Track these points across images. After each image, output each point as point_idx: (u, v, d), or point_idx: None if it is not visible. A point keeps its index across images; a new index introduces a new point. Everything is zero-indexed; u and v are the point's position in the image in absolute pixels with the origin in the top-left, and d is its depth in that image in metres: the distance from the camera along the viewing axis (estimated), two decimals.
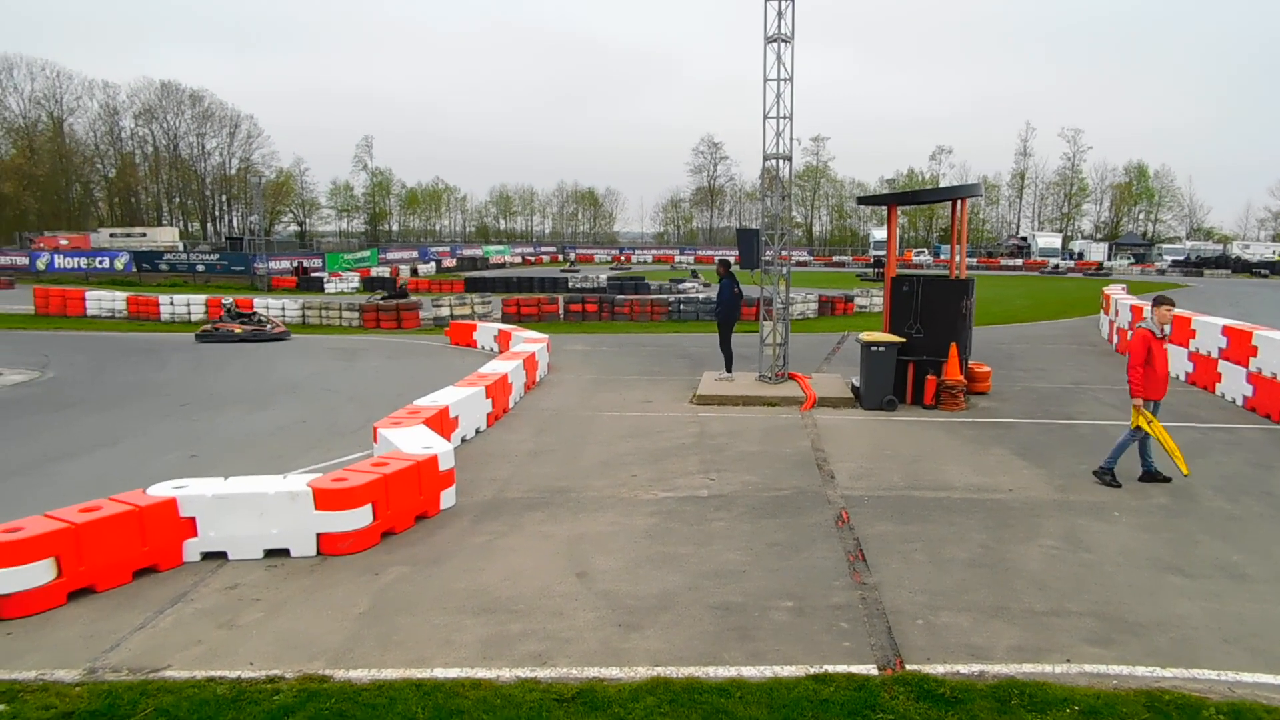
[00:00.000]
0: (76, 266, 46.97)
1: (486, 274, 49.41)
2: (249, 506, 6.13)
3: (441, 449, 7.31)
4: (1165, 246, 74.39)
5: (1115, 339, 18.11)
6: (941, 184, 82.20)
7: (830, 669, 4.43)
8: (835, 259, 74.92)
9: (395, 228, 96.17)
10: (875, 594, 5.43)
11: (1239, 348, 11.80)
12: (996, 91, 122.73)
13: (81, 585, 5.46)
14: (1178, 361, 13.92)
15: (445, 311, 25.00)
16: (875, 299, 27.81)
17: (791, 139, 12.21)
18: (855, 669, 4.44)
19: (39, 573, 5.23)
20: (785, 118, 12.05)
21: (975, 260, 65.95)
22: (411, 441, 7.51)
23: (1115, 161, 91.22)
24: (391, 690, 4.22)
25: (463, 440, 9.60)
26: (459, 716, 3.99)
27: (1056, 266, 64.78)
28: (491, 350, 17.97)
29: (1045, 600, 5.33)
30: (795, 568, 5.88)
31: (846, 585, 5.58)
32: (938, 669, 4.43)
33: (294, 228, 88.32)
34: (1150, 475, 7.91)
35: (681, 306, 25.88)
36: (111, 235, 59.51)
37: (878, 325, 12.76)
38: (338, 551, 6.20)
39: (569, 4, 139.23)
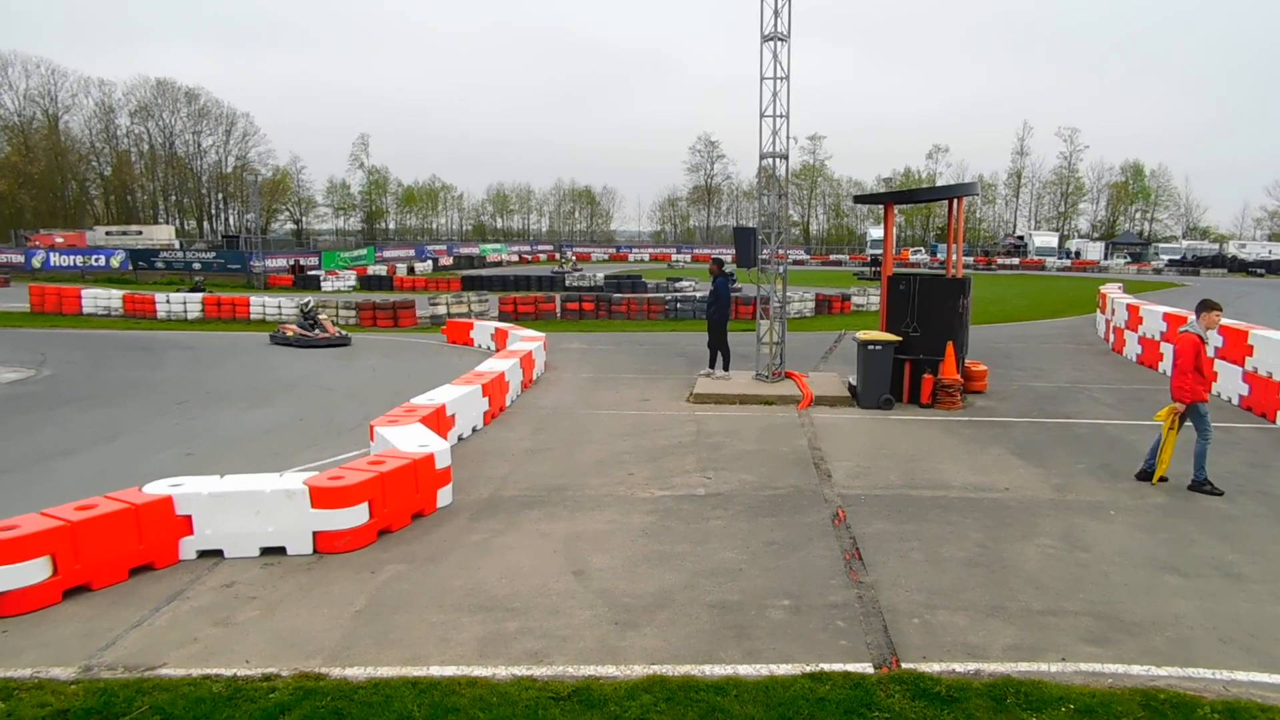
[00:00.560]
0: (72, 264, 46.83)
1: (483, 272, 49.36)
2: (245, 504, 6.12)
3: (438, 447, 7.30)
4: (1162, 246, 74.51)
5: (1112, 338, 18.14)
6: (938, 183, 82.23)
7: (826, 667, 4.43)
8: (832, 258, 74.91)
9: (392, 226, 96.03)
10: (872, 593, 5.43)
11: (1235, 347, 11.82)
12: (994, 91, 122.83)
13: (77, 583, 5.44)
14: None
15: (442, 310, 24.98)
16: (872, 298, 27.85)
17: (788, 138, 12.20)
18: (851, 667, 4.44)
19: (34, 570, 5.21)
20: (782, 116, 12.05)
21: (972, 259, 66.01)
22: (408, 440, 7.50)
23: (1112, 161, 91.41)
24: (388, 688, 4.22)
25: (459, 438, 9.59)
26: (455, 714, 3.99)
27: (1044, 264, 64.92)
28: (488, 348, 17.97)
29: (1042, 599, 5.34)
30: (792, 566, 5.89)
31: (843, 584, 5.58)
32: (934, 667, 4.44)
33: (290, 226, 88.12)
34: (1145, 475, 7.91)
35: (678, 305, 25.88)
36: (107, 233, 59.32)
37: (874, 324, 12.77)
38: (334, 550, 6.20)
39: (566, 3, 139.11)
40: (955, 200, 12.73)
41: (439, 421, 8.87)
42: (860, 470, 8.37)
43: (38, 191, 69.54)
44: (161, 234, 61.32)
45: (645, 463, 8.67)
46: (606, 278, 38.25)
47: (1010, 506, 7.24)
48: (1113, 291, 20.20)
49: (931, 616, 5.08)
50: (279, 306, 25.91)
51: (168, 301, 26.77)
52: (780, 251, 12.62)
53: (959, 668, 4.46)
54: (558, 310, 26.05)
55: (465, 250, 69.61)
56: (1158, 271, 59.57)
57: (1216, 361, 12.37)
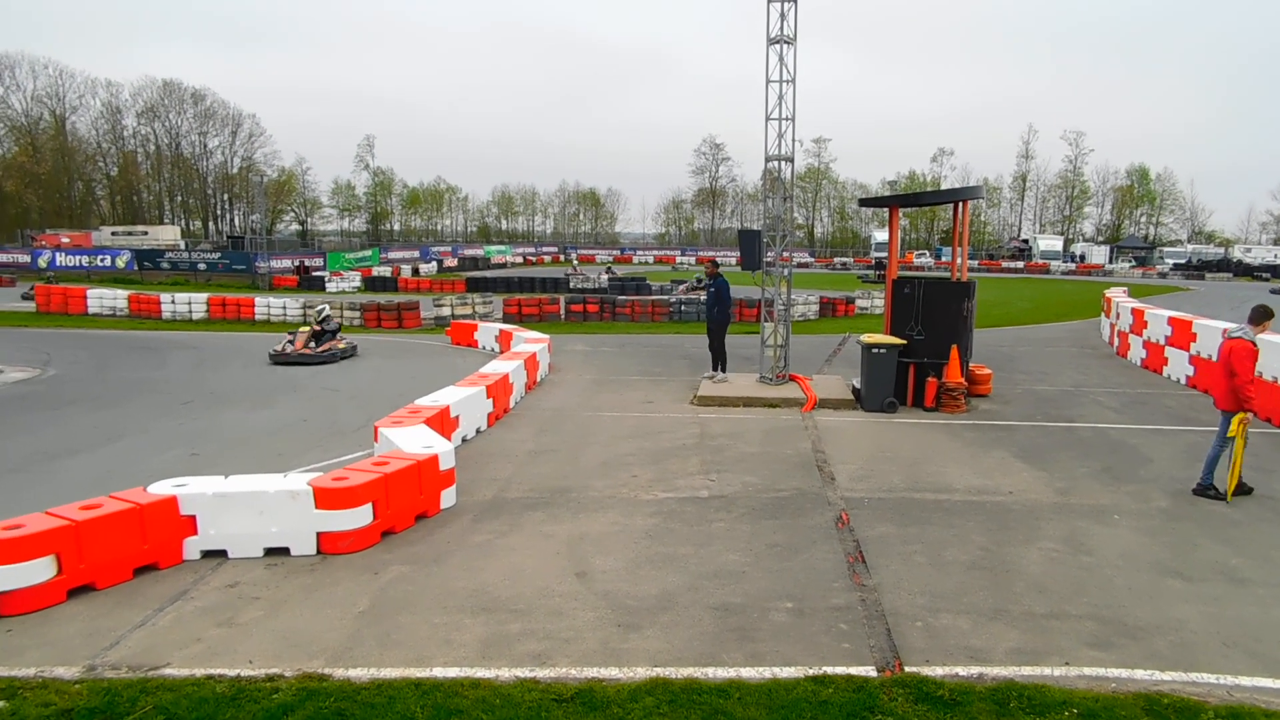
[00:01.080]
0: (78, 265, 47.00)
1: (488, 274, 49.41)
2: (249, 505, 6.14)
3: (442, 448, 7.32)
4: (1167, 250, 74.37)
5: (1116, 342, 18.10)
6: (943, 186, 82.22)
7: (829, 670, 4.43)
8: (836, 260, 74.90)
9: (397, 227, 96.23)
10: (875, 596, 5.43)
11: None
12: (999, 94, 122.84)
13: (82, 583, 5.46)
14: (1179, 365, 13.93)
15: (446, 311, 25.00)
16: (876, 301, 27.80)
17: (794, 140, 12.22)
18: (854, 670, 4.44)
19: (39, 570, 5.23)
20: (787, 119, 12.06)
21: (977, 262, 65.94)
22: (412, 441, 7.51)
23: (1117, 164, 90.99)
24: (391, 689, 4.23)
25: (463, 440, 9.60)
26: (458, 716, 4.00)
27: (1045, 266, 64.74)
28: (492, 350, 17.97)
29: (1045, 603, 5.33)
30: (795, 569, 5.89)
31: (846, 587, 5.58)
32: (937, 671, 4.44)
33: (295, 227, 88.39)
34: (1205, 489, 7.57)
35: (683, 307, 25.88)
36: (113, 233, 59.54)
37: (879, 327, 12.75)
38: (338, 550, 6.21)
39: (572, 4, 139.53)
40: (960, 203, 12.72)
41: (443, 423, 8.88)
42: (864, 473, 8.36)
43: (44, 191, 69.90)
44: (167, 234, 61.51)
45: (649, 465, 8.67)
46: (610, 279, 38.30)
47: (1013, 510, 7.23)
48: (1117, 295, 20.16)
49: (934, 620, 5.07)
50: (284, 307, 25.99)
51: (173, 302, 26.85)
52: (785, 254, 12.62)
53: (962, 671, 4.45)
54: (562, 312, 26.06)
55: (470, 252, 69.78)
56: (1163, 275, 59.41)
57: None
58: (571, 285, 37.02)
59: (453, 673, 4.43)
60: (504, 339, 17.48)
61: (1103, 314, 21.64)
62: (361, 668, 4.49)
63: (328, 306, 18.43)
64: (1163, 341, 14.73)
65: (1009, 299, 34.97)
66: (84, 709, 4.04)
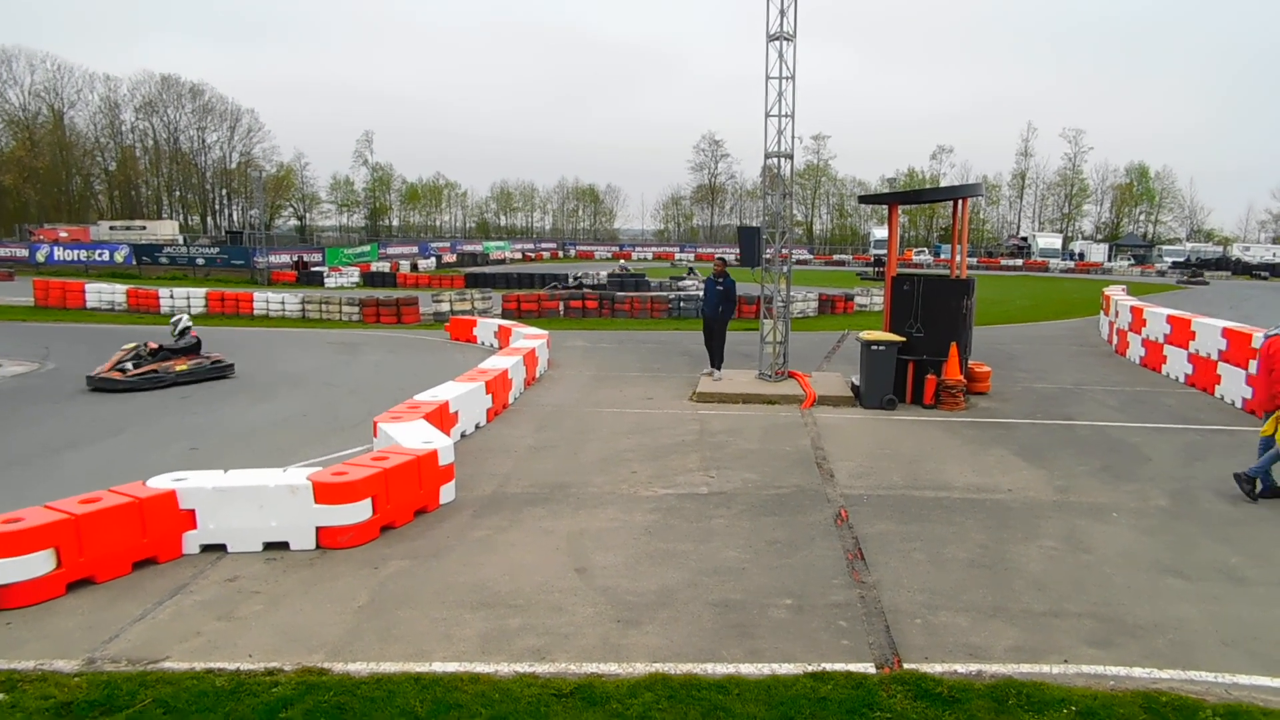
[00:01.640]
0: (76, 259, 46.89)
1: (487, 270, 49.40)
2: (249, 499, 6.14)
3: (441, 444, 7.31)
4: (1166, 248, 74.38)
5: (1115, 340, 18.11)
6: (942, 183, 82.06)
7: (828, 667, 4.44)
8: (835, 258, 74.85)
9: (396, 223, 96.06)
10: (874, 593, 5.43)
11: (1238, 349, 11.81)
12: (998, 92, 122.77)
13: (81, 576, 5.46)
14: (1178, 363, 13.94)
15: (445, 307, 24.97)
16: (875, 298, 27.80)
17: (793, 137, 12.20)
18: (853, 667, 4.44)
19: (38, 563, 5.23)
20: (787, 116, 12.04)
21: (976, 260, 65.92)
22: (411, 436, 7.51)
23: (1116, 162, 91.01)
24: (390, 683, 4.23)
25: (463, 435, 9.60)
26: (457, 710, 4.00)
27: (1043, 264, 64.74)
28: (492, 346, 17.97)
29: (1044, 601, 5.33)
30: (794, 566, 5.89)
31: (845, 584, 5.58)
32: (936, 668, 4.44)
33: (294, 222, 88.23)
34: (1272, 490, 7.39)
35: (682, 304, 25.85)
36: (111, 228, 59.38)
37: (878, 324, 12.76)
38: (337, 545, 6.21)
39: (573, 2, 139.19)
40: (960, 201, 12.71)
41: (442, 418, 8.88)
42: (863, 470, 8.37)
43: (42, 186, 69.70)
44: (165, 229, 61.41)
45: (648, 461, 8.67)
46: (610, 275, 38.23)
47: (1013, 508, 7.23)
48: (1116, 294, 20.17)
49: (933, 617, 5.08)
50: (282, 303, 25.99)
51: (171, 297, 26.79)
52: (784, 251, 12.61)
53: (961, 668, 4.46)
54: (561, 308, 26.04)
55: (469, 248, 69.65)
56: (1162, 274, 59.39)
57: (1220, 364, 12.38)
58: (570, 282, 36.93)
59: (452, 667, 4.43)
60: (503, 334, 17.48)
61: (1101, 312, 21.65)
62: (361, 662, 4.49)
63: (186, 317, 15.23)
64: (1161, 340, 14.74)
65: (1008, 297, 34.99)
66: (83, 702, 4.03)
